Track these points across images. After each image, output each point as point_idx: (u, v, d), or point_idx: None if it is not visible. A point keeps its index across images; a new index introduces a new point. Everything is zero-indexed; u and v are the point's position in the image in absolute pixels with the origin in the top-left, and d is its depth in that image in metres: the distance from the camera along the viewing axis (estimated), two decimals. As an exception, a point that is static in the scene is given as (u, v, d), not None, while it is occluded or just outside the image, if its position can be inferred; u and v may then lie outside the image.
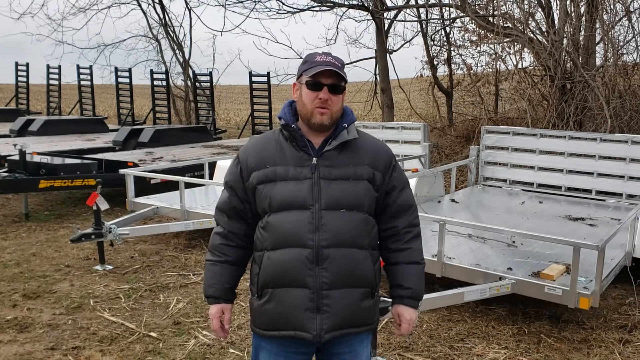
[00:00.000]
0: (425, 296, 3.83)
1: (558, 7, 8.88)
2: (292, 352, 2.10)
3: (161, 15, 16.71)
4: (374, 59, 13.40)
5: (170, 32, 16.81)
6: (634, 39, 8.91)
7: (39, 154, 8.51)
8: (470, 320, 4.47)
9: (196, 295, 4.96)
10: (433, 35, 13.07)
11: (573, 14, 8.87)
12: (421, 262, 2.20)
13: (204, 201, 6.70)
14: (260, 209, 2.07)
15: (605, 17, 8.64)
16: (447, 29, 12.72)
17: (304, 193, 2.01)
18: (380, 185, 2.11)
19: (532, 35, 8.86)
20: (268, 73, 13.82)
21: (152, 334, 4.22)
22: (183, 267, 5.71)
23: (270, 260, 2.03)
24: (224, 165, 7.63)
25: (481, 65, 12.00)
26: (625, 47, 8.90)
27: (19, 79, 17.52)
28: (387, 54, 12.96)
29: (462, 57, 12.69)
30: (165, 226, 6.04)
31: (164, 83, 15.51)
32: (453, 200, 6.58)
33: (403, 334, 2.22)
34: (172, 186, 6.99)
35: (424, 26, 12.85)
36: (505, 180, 7.24)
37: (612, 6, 8.83)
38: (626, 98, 8.07)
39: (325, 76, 2.01)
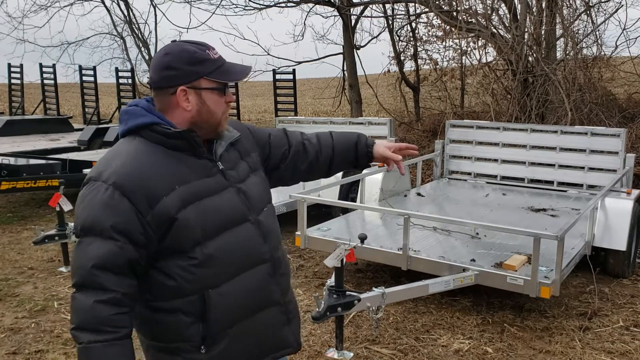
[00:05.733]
0: (391, 289, 3.90)
1: (519, 2, 9.03)
2: None
3: (125, 13, 16.50)
4: (341, 55, 13.44)
5: (135, 30, 16.61)
6: (593, 32, 9.12)
7: (0, 154, 8.32)
8: (435, 311, 4.53)
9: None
10: (399, 31, 13.19)
11: (534, 8, 9.05)
12: None
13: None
14: (187, 243, 1.62)
15: (565, 11, 8.83)
16: (413, 25, 12.84)
17: (237, 204, 1.72)
18: (265, 154, 1.96)
19: (494, 30, 8.99)
20: (235, 70, 13.74)
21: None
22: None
23: (225, 297, 1.66)
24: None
25: (447, 60, 12.13)
26: (584, 40, 9.11)
27: (-21, 78, 17.10)
28: (355, 50, 13.02)
29: (428, 52, 12.83)
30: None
31: (130, 81, 15.31)
32: (419, 194, 6.65)
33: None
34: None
35: (390, 22, 12.94)
36: (469, 174, 7.34)
37: (571, 0, 9.03)
38: (586, 91, 8.25)
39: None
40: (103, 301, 1.53)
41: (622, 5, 8.88)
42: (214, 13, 15.31)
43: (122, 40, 17.06)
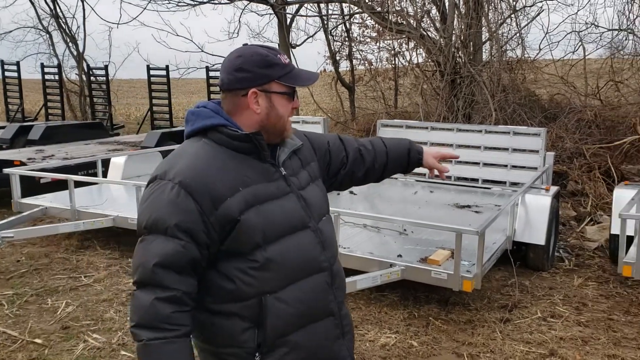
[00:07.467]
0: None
1: (448, 4, 9.28)
2: None
3: (51, 6, 15.85)
4: (276, 54, 13.41)
5: (62, 24, 16.01)
6: (517, 36, 9.51)
7: None
8: (364, 307, 4.60)
9: (87, 297, 4.77)
10: (333, 31, 13.31)
11: (462, 10, 9.33)
12: None
13: (96, 200, 6.44)
14: (248, 245, 1.61)
15: (491, 15, 9.15)
16: (347, 25, 12.99)
17: (297, 210, 1.71)
18: (326, 161, 1.99)
19: (423, 32, 9.22)
20: (167, 66, 13.48)
21: (37, 340, 4.02)
22: (74, 270, 5.47)
23: (283, 303, 1.65)
24: (118, 162, 7.37)
25: (380, 61, 12.34)
26: (509, 43, 9.47)
27: None
28: (290, 49, 13.03)
29: (363, 52, 13.02)
30: (54, 227, 5.74)
31: (57, 77, 14.75)
32: (352, 192, 6.73)
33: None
34: (65, 186, 6.66)
35: (324, 21, 13.04)
36: (400, 172, 7.48)
37: (496, 4, 9.37)
38: (509, 92, 8.59)
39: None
40: (163, 299, 1.53)
41: (544, 10, 9.31)
42: (145, 9, 15.01)
43: (48, 35, 16.42)
